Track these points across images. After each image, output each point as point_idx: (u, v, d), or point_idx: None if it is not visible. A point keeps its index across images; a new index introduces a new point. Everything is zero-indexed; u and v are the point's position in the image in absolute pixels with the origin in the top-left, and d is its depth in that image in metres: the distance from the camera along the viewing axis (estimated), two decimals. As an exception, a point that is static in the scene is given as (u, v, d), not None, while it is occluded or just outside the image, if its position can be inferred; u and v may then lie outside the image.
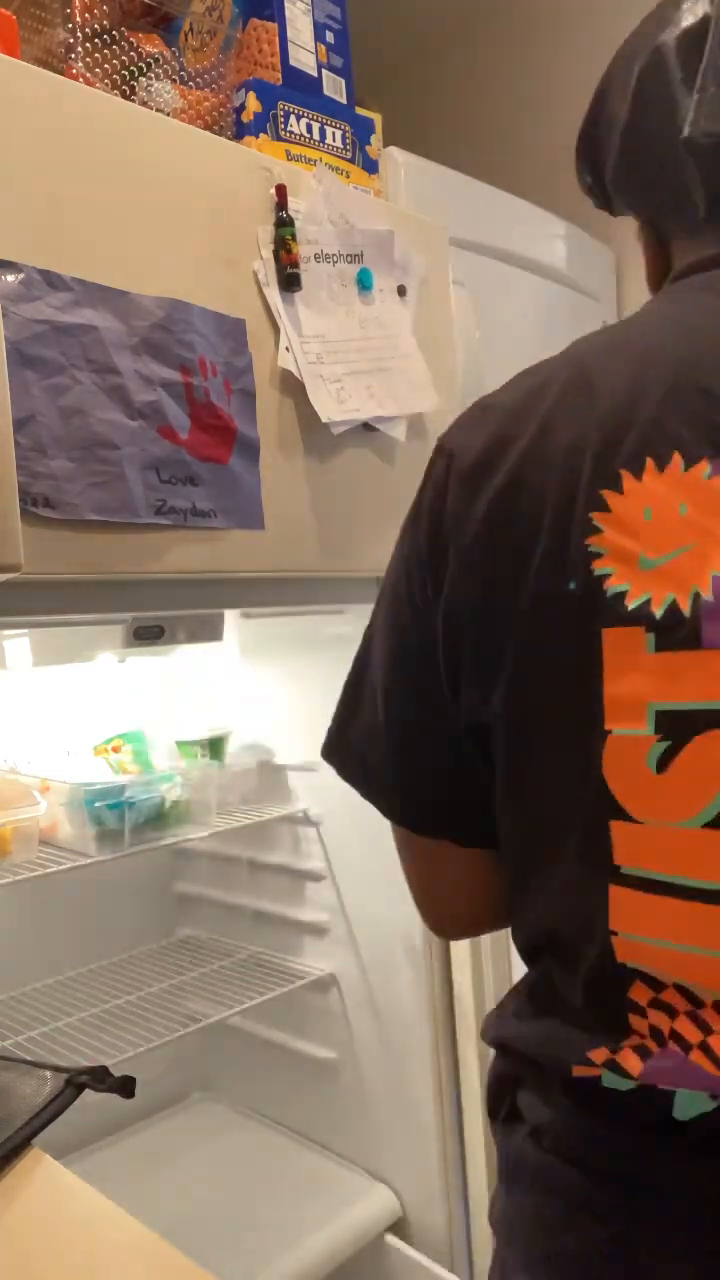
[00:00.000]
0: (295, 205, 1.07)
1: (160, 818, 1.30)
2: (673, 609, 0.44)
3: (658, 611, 0.44)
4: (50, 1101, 0.76)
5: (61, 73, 1.00)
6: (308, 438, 1.09)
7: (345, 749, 0.63)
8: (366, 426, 1.14)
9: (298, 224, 1.07)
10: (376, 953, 1.39)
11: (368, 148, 1.29)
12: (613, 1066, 0.48)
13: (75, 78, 0.99)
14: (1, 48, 0.89)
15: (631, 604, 0.45)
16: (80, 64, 1.01)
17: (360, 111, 1.29)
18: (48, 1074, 0.80)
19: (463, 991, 1.29)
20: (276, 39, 1.20)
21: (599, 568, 0.46)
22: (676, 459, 0.45)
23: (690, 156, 0.53)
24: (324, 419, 1.07)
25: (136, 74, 1.06)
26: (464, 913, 0.65)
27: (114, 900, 1.59)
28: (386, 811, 0.62)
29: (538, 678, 0.49)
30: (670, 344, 0.49)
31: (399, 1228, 1.38)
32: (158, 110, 1.04)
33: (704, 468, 0.45)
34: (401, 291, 1.20)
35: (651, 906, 0.46)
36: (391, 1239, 1.36)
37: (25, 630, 1.16)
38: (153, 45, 1.08)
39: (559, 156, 1.91)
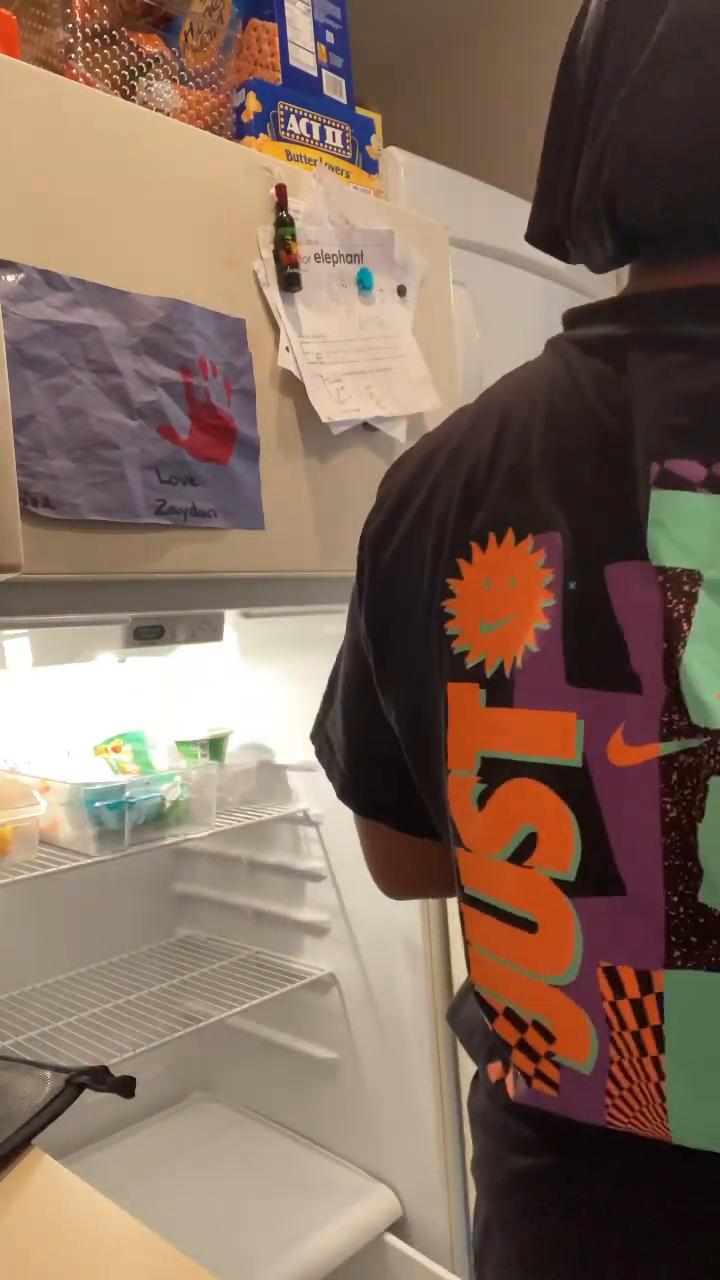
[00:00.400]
0: (295, 205, 1.07)
1: (160, 818, 1.30)
2: (499, 670, 0.50)
3: (489, 671, 0.50)
4: (50, 1101, 0.76)
5: (61, 73, 1.00)
6: (308, 438, 1.09)
7: (320, 733, 0.72)
8: (366, 426, 1.14)
9: (298, 224, 1.07)
10: (376, 953, 1.40)
11: (368, 148, 1.29)
12: (501, 1087, 0.56)
13: (75, 78, 0.99)
14: (1, 48, 0.89)
15: (470, 663, 0.51)
16: (80, 64, 1.01)
17: (360, 111, 1.29)
18: (48, 1074, 0.80)
19: (463, 991, 1.29)
20: (276, 39, 1.20)
21: (450, 628, 0.52)
22: (510, 534, 0.50)
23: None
24: (324, 419, 1.07)
25: (136, 74, 1.06)
26: (407, 880, 0.74)
27: (114, 900, 1.59)
28: (338, 792, 0.70)
29: (409, 712, 0.58)
30: (523, 408, 0.53)
31: (399, 1228, 1.38)
32: (158, 110, 1.04)
33: (528, 543, 0.49)
34: (401, 291, 1.20)
35: (482, 923, 0.53)
36: (391, 1239, 1.36)
37: (25, 630, 1.16)
38: (153, 45, 1.08)
39: (559, 156, 1.89)
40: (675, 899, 0.45)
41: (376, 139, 1.31)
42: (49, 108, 0.88)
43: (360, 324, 1.15)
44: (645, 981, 0.46)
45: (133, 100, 1.04)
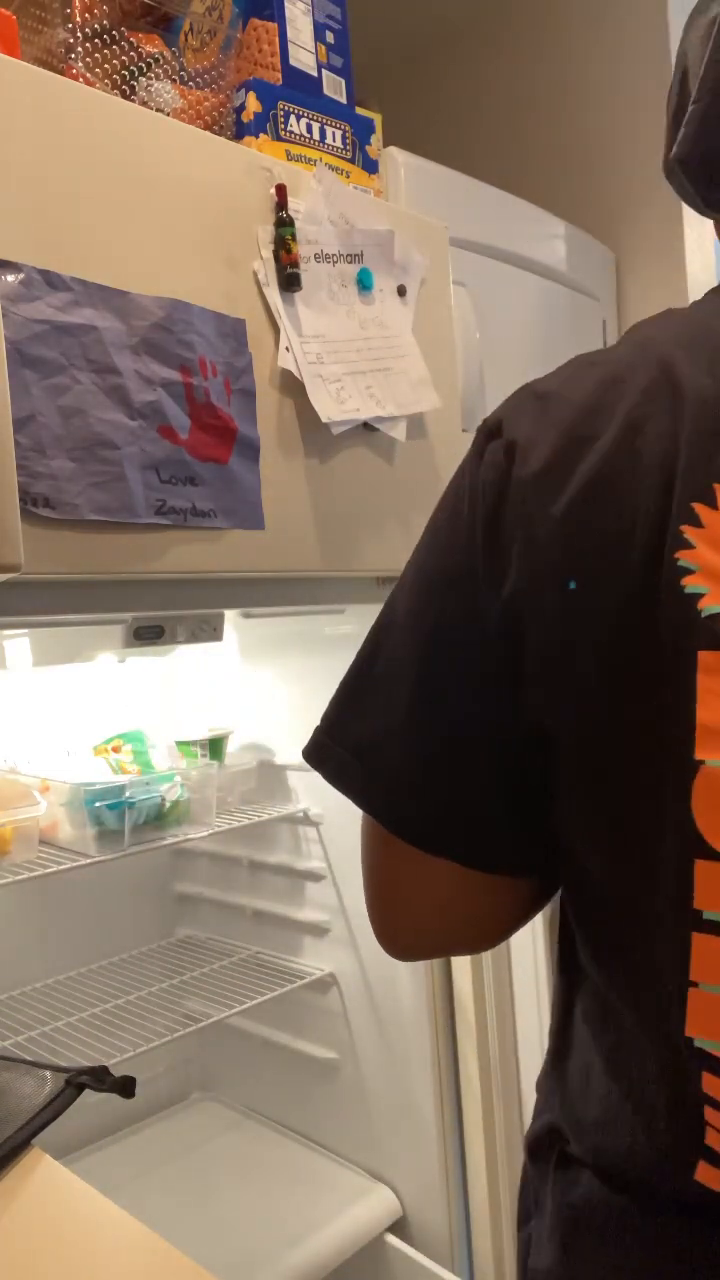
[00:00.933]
0: (295, 205, 1.07)
1: (160, 818, 1.30)
2: None
3: None
4: (50, 1101, 0.75)
5: (61, 73, 1.00)
6: (308, 438, 1.09)
7: (343, 748, 0.56)
8: (366, 426, 1.14)
9: (298, 224, 1.07)
10: (376, 953, 1.39)
11: (368, 148, 1.29)
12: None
13: (75, 78, 0.99)
14: (2, 48, 0.89)
15: None
16: (80, 64, 1.01)
17: (360, 111, 1.29)
18: (48, 1074, 0.80)
19: (463, 991, 1.29)
20: (276, 39, 1.20)
21: (689, 584, 0.42)
22: None
23: None
24: (324, 419, 1.07)
25: (136, 74, 1.06)
26: (432, 935, 0.60)
27: (114, 900, 1.59)
28: (388, 819, 0.55)
29: (617, 692, 0.44)
30: None
31: (399, 1228, 1.38)
32: (158, 110, 1.04)
33: None
34: (401, 291, 1.20)
35: (711, 957, 0.42)
36: (391, 1239, 1.36)
37: (25, 630, 1.16)
38: (153, 45, 1.08)
39: (559, 156, 1.92)
40: None
41: (376, 139, 1.31)
42: (49, 108, 0.88)
43: (360, 324, 1.15)
44: None
45: (133, 100, 1.04)
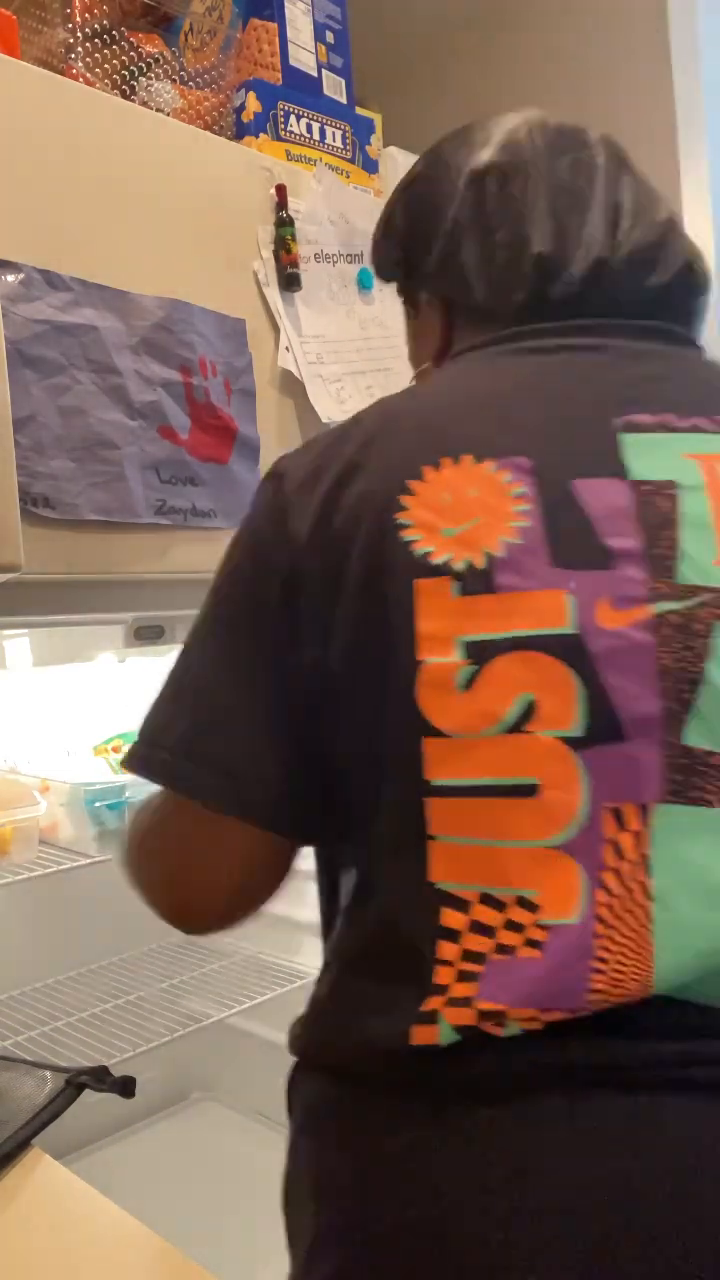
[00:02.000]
0: (295, 205, 1.07)
1: (160, 818, 1.29)
2: (470, 564, 0.54)
3: (458, 566, 0.54)
4: (50, 1101, 0.76)
5: (61, 73, 1.00)
6: (308, 438, 1.09)
7: (181, 747, 0.64)
8: (366, 426, 1.14)
9: (298, 224, 1.07)
10: (376, 953, 1.39)
11: (368, 148, 1.29)
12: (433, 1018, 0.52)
13: (75, 78, 0.99)
14: (1, 48, 0.89)
15: (436, 560, 0.55)
16: (80, 64, 1.01)
17: (360, 111, 1.29)
18: (48, 1074, 0.80)
19: (463, 991, 1.29)
20: (276, 39, 1.20)
21: (406, 535, 0.56)
22: (466, 459, 0.57)
23: (532, 270, 0.65)
24: (324, 419, 1.07)
25: (136, 74, 1.06)
26: (228, 900, 0.70)
27: (114, 900, 1.59)
28: (186, 784, 0.63)
29: (363, 623, 0.57)
30: (459, 393, 0.62)
31: (399, 1228, 1.38)
32: (158, 110, 1.04)
33: (489, 464, 0.56)
34: (401, 291, 1.20)
35: (458, 810, 0.53)
36: (391, 1239, 1.36)
37: (25, 630, 1.16)
38: (153, 45, 1.08)
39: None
40: (669, 740, 0.51)
41: (376, 139, 1.31)
42: (49, 108, 0.88)
43: (360, 324, 1.15)
44: (644, 814, 0.51)
45: (133, 100, 1.04)
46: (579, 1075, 0.51)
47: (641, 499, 0.55)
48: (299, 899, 1.61)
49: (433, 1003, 0.52)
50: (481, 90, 1.95)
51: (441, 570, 0.54)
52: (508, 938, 0.52)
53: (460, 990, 0.52)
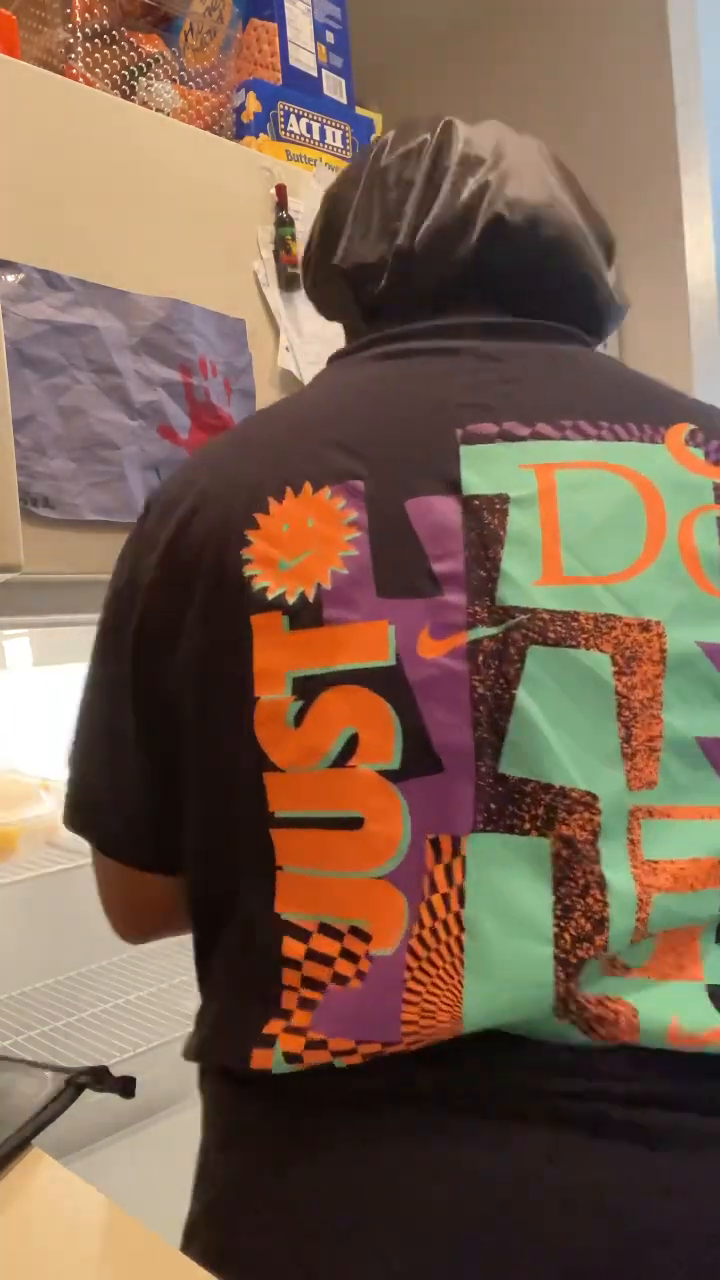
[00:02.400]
0: (295, 205, 1.07)
1: (160, 818, 1.29)
2: (301, 597, 0.55)
3: (291, 600, 0.55)
4: (50, 1101, 0.75)
5: (61, 73, 1.00)
6: (308, 438, 1.09)
7: (83, 806, 0.70)
8: (366, 426, 1.14)
9: (298, 224, 1.07)
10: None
11: (368, 148, 1.29)
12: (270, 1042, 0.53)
13: (75, 78, 0.99)
14: (1, 48, 0.89)
15: (271, 596, 0.55)
16: (80, 64, 1.01)
17: (360, 111, 1.29)
18: (48, 1074, 0.80)
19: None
20: (276, 39, 1.20)
21: (248, 570, 0.57)
22: (307, 486, 0.57)
23: (342, 279, 0.69)
24: (324, 419, 1.07)
25: (136, 74, 1.06)
26: (136, 921, 0.82)
27: (114, 900, 1.59)
28: (98, 842, 0.71)
29: (206, 660, 0.58)
30: (311, 408, 0.63)
31: (399, 1228, 1.38)
32: (158, 110, 1.04)
33: (325, 491, 0.56)
34: (401, 291, 1.20)
35: (297, 841, 0.54)
36: (391, 1239, 1.36)
37: (25, 630, 1.16)
38: (153, 45, 1.08)
39: (559, 156, 1.90)
40: (483, 769, 0.51)
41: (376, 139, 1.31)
42: (49, 108, 0.88)
43: (360, 324, 1.15)
44: (456, 846, 0.51)
45: (133, 100, 1.04)
46: (386, 1100, 0.51)
47: (470, 516, 0.54)
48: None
49: (273, 1026, 0.53)
50: (481, 90, 1.95)
51: (275, 605, 0.55)
52: (343, 967, 0.53)
53: (299, 1019, 0.52)
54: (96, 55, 1.02)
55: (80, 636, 1.18)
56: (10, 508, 0.70)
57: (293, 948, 0.54)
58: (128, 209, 0.93)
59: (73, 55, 1.01)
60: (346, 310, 0.74)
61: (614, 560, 0.54)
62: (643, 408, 0.59)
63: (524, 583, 0.53)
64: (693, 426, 0.58)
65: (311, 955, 0.53)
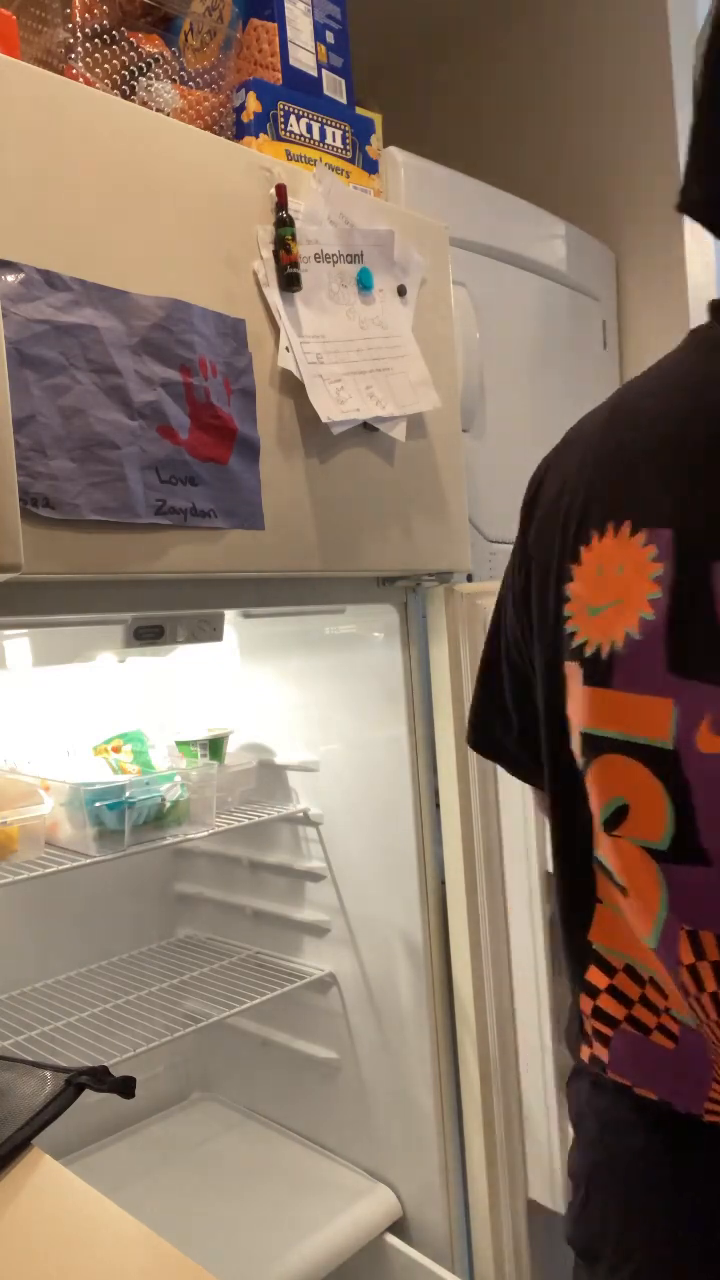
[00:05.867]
0: (295, 205, 1.07)
1: (160, 818, 1.30)
2: (596, 653, 0.54)
3: (589, 652, 0.54)
4: (50, 1101, 0.75)
5: (61, 73, 1.00)
6: (308, 438, 1.09)
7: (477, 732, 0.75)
8: (366, 426, 1.14)
9: (298, 224, 1.07)
10: (376, 953, 1.39)
11: (368, 148, 1.29)
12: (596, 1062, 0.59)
13: (75, 78, 0.99)
14: (2, 48, 0.89)
15: (576, 643, 0.56)
16: (80, 64, 1.01)
17: (360, 111, 1.29)
18: (48, 1074, 0.80)
19: (463, 991, 1.29)
20: (276, 39, 1.20)
21: (566, 610, 0.57)
22: (626, 526, 0.54)
23: None
24: (324, 419, 1.07)
25: (136, 74, 1.06)
26: None
27: (114, 900, 1.59)
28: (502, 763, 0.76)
29: (546, 680, 0.60)
30: (661, 407, 0.56)
31: (399, 1228, 1.38)
32: (158, 110, 1.04)
33: (641, 536, 0.53)
34: (401, 291, 1.20)
35: (605, 883, 0.57)
36: (391, 1239, 1.36)
37: (25, 630, 1.16)
38: (153, 45, 1.08)
39: (559, 156, 1.92)
40: None
41: (376, 139, 1.31)
42: (49, 108, 0.88)
43: (360, 324, 1.15)
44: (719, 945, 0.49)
45: (133, 100, 1.04)
46: None
47: None
48: (298, 899, 1.62)
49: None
50: (481, 90, 1.95)
51: (577, 655, 0.55)
52: (645, 1015, 0.54)
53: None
54: (96, 55, 1.02)
55: (80, 636, 1.19)
56: (10, 508, 0.70)
57: (612, 975, 0.57)
58: (128, 209, 0.93)
59: (73, 55, 1.01)
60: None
61: None
62: None
63: None
64: None
65: (614, 993, 0.56)
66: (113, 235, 0.92)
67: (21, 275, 0.85)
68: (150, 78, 1.06)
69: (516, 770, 0.74)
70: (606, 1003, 0.55)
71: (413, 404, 1.17)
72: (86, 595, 0.96)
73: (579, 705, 0.55)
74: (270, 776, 1.52)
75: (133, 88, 1.05)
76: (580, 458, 0.59)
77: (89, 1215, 0.63)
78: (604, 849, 0.55)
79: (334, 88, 1.26)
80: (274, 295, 1.06)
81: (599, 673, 0.53)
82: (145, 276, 0.94)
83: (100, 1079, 0.79)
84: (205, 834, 1.35)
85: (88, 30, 1.02)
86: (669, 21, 1.63)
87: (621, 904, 0.54)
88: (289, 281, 1.06)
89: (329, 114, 1.23)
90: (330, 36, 1.26)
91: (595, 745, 0.54)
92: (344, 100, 1.27)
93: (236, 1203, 1.38)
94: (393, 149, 1.35)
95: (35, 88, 0.87)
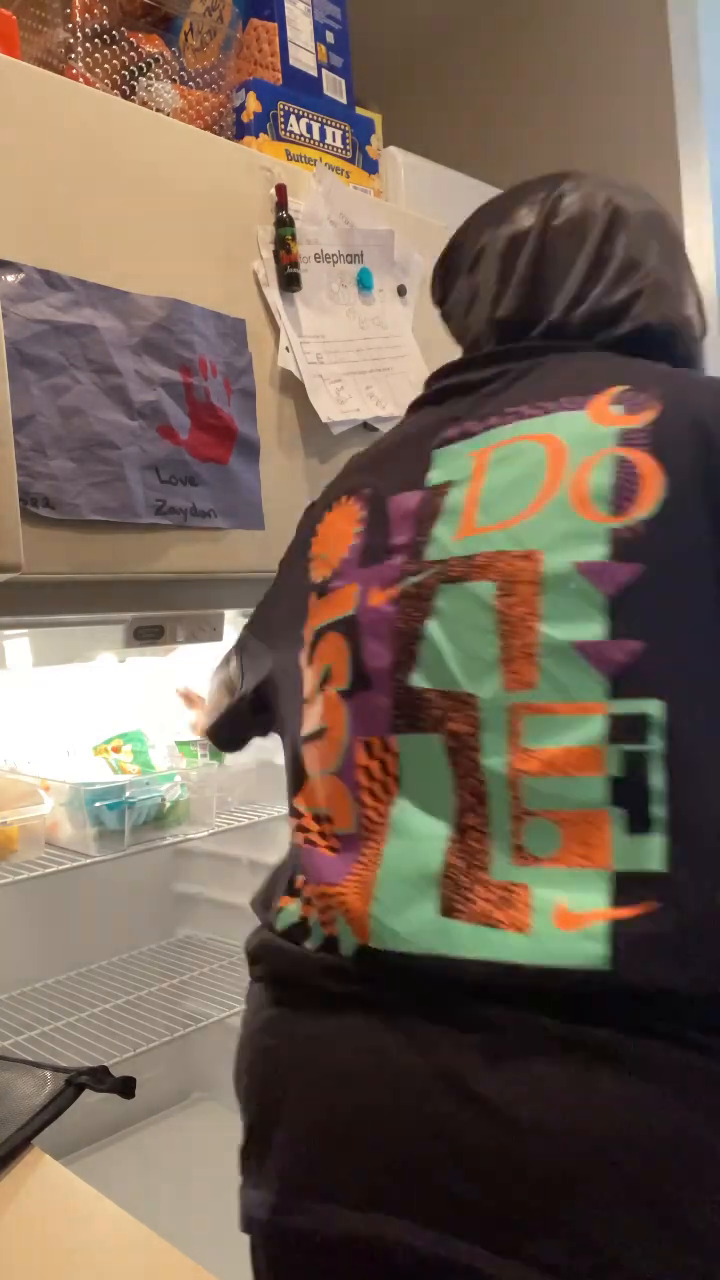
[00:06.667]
0: (295, 205, 1.07)
1: (160, 818, 1.30)
2: (324, 579, 0.74)
3: (319, 581, 0.75)
4: (50, 1101, 0.76)
5: (61, 73, 1.00)
6: (308, 438, 1.09)
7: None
8: (366, 426, 1.14)
9: (298, 224, 1.07)
10: (376, 953, 1.39)
11: (368, 148, 1.29)
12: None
13: (75, 78, 0.99)
14: (2, 48, 0.89)
15: (314, 580, 0.75)
16: (80, 64, 1.01)
17: (360, 111, 1.29)
18: (48, 1074, 0.80)
19: (463, 991, 1.29)
20: (276, 39, 1.20)
21: (310, 567, 0.77)
22: (343, 499, 0.77)
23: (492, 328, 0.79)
24: (324, 419, 1.07)
25: (136, 74, 1.06)
26: None
27: (114, 900, 1.59)
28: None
29: (291, 621, 0.79)
30: (385, 443, 0.82)
31: (399, 1228, 1.38)
32: (158, 110, 1.04)
33: (354, 501, 0.75)
34: (401, 291, 1.20)
35: (310, 752, 0.71)
36: (391, 1239, 1.36)
37: (25, 630, 1.16)
38: (153, 45, 1.08)
39: (559, 156, 1.92)
40: (398, 683, 0.64)
41: (376, 139, 1.31)
42: (49, 108, 0.88)
43: (360, 324, 1.15)
44: (385, 745, 0.64)
45: (133, 100, 1.04)
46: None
47: (424, 501, 0.69)
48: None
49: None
50: (481, 90, 1.95)
51: (315, 587, 0.74)
52: (319, 838, 0.69)
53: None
54: (96, 55, 1.02)
55: (80, 636, 1.19)
56: (10, 508, 0.70)
57: (291, 821, 0.72)
58: (128, 209, 0.93)
59: (73, 55, 1.01)
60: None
61: (512, 509, 0.64)
62: (594, 386, 0.67)
63: (445, 540, 0.66)
64: (626, 388, 0.65)
65: (304, 835, 0.70)
66: (113, 235, 0.92)
67: (21, 275, 0.85)
68: (150, 78, 1.06)
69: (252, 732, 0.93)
70: (295, 837, 0.70)
71: (413, 404, 1.17)
72: (86, 595, 0.96)
73: (313, 615, 0.73)
74: (270, 776, 1.52)
75: (133, 88, 1.05)
76: (331, 482, 0.83)
77: (89, 1215, 0.63)
78: (307, 719, 0.71)
79: (334, 88, 1.26)
80: (274, 295, 1.06)
81: (323, 588, 0.73)
82: (145, 276, 0.94)
83: (100, 1079, 0.79)
84: (205, 834, 1.35)
85: (88, 30, 1.02)
86: (669, 21, 1.62)
87: (313, 753, 0.69)
88: (289, 281, 1.06)
89: (329, 114, 1.23)
90: (330, 36, 1.26)
91: (318, 636, 0.71)
92: (344, 100, 1.27)
93: (236, 1202, 1.38)
94: (393, 149, 1.35)
95: (35, 88, 0.87)
